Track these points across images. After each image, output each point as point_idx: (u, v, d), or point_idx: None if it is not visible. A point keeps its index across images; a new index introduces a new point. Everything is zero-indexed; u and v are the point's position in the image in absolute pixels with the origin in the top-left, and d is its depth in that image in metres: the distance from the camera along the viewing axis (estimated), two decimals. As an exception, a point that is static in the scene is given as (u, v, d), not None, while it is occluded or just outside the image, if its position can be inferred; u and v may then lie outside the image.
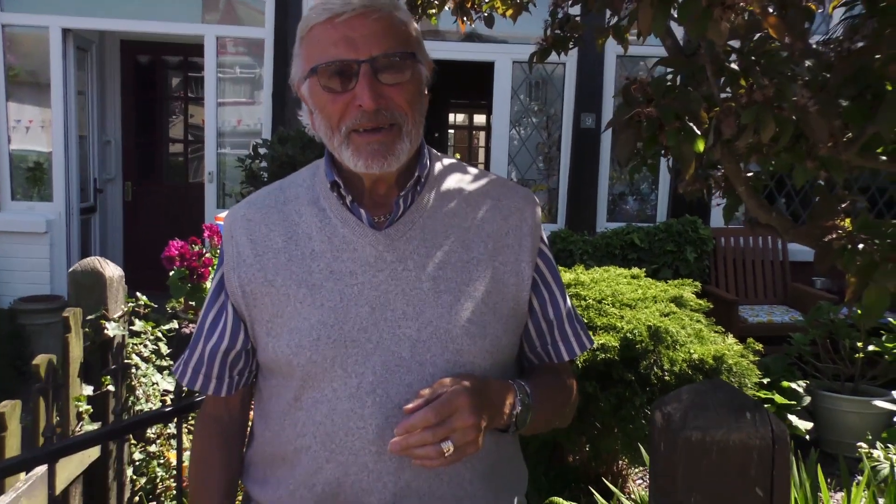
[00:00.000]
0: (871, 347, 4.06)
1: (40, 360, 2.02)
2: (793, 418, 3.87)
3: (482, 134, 17.37)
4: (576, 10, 1.69)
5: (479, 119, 16.34)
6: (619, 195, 6.26)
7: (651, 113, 1.06)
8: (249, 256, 1.10)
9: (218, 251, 3.11)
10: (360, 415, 1.03)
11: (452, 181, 1.15)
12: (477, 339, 1.06)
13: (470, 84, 9.44)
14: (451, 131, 14.62)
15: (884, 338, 4.06)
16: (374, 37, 0.99)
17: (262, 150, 5.11)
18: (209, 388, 1.17)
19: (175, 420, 1.68)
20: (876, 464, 3.01)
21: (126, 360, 2.45)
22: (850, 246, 1.16)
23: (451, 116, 14.29)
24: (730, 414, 0.88)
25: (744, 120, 1.00)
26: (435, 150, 1.20)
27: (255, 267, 1.09)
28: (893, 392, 3.37)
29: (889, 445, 3.30)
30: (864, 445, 3.33)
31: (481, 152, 17.63)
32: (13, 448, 1.86)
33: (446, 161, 1.19)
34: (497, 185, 1.18)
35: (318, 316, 1.05)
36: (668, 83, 1.08)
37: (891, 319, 4.20)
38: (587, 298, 3.06)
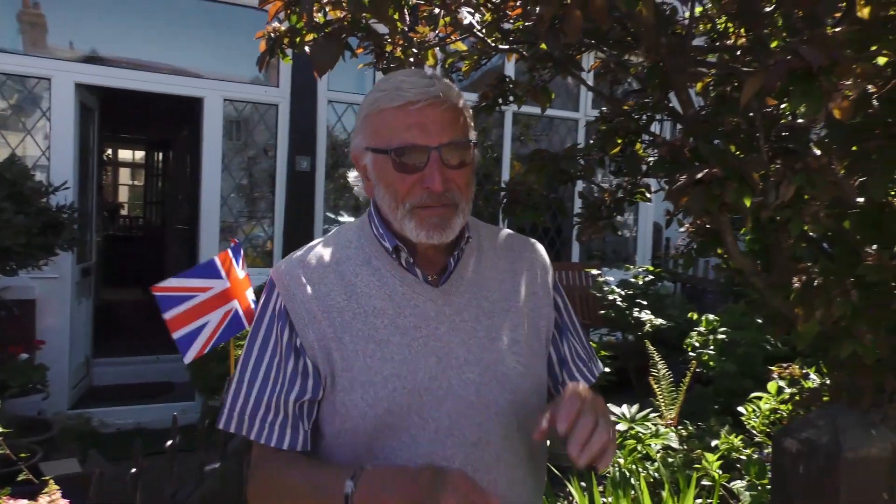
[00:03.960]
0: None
1: None
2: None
3: (126, 170, 15.94)
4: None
5: (125, 154, 15.01)
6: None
7: (717, 173, 1.20)
8: (319, 313, 1.13)
9: None
10: (442, 456, 1.10)
11: (483, 238, 1.27)
12: (526, 378, 1.20)
13: (127, 117, 8.59)
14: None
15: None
16: (444, 125, 1.09)
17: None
18: (298, 443, 1.13)
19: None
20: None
21: None
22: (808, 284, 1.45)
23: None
24: (865, 433, 1.04)
25: (795, 182, 1.20)
26: None
27: (325, 323, 1.13)
28: (610, 404, 3.99)
29: (617, 451, 3.90)
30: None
31: (124, 190, 16.15)
32: None
33: (472, 220, 1.27)
34: (516, 238, 1.32)
35: (389, 369, 1.11)
36: (714, 148, 1.24)
37: (592, 342, 5.00)
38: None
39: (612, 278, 5.78)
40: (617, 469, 3.60)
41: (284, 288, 1.15)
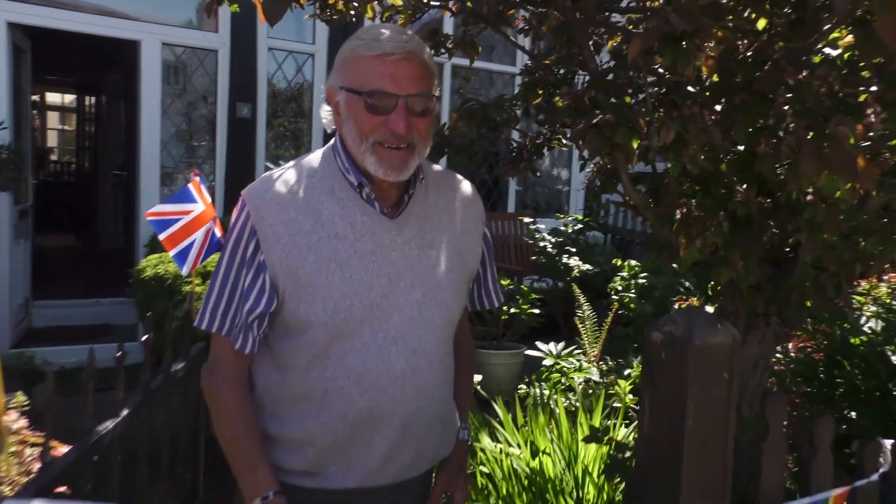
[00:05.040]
0: (512, 310, 5.08)
1: None
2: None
3: (55, 114, 15.40)
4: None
5: (54, 98, 14.48)
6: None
7: (609, 119, 1.44)
8: (284, 236, 1.30)
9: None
10: (386, 360, 1.34)
11: (431, 178, 1.45)
12: (457, 300, 1.45)
13: (56, 58, 8.34)
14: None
15: (519, 301, 5.11)
16: (413, 78, 1.26)
17: None
18: (247, 347, 1.34)
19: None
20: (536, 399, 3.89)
21: None
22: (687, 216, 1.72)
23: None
24: (712, 326, 1.31)
25: (673, 128, 1.45)
26: None
27: (291, 245, 1.30)
28: (538, 343, 4.30)
29: (542, 383, 4.22)
30: (523, 386, 4.22)
31: (52, 134, 15.61)
32: None
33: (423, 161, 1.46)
34: (456, 179, 1.51)
35: (349, 286, 1.31)
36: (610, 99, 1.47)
37: (523, 286, 5.30)
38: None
39: (543, 226, 6.08)
40: (540, 397, 3.93)
41: (254, 208, 1.30)
